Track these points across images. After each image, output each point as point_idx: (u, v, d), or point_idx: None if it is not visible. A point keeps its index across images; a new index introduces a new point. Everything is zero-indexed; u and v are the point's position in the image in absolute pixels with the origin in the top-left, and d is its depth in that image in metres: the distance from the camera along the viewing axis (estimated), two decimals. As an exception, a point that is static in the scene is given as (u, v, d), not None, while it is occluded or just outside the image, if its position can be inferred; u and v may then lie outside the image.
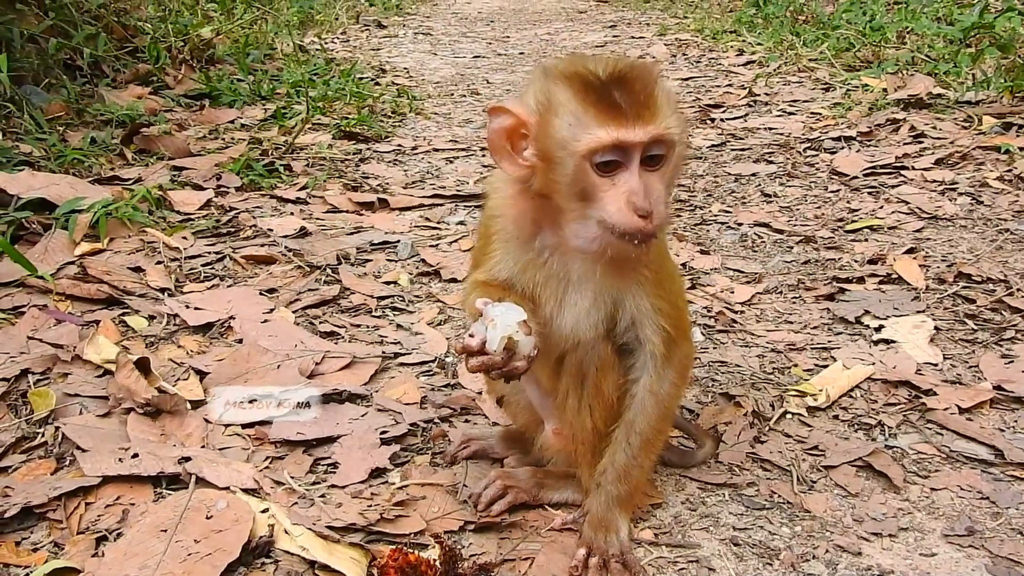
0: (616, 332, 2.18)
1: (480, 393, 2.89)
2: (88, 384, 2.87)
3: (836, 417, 2.78)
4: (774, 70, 7.73)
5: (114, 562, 2.08)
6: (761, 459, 2.56)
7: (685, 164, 1.97)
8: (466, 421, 2.78)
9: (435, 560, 1.99)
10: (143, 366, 2.82)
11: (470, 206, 4.68)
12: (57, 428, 2.62)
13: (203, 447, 2.58)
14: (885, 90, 6.42)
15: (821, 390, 2.87)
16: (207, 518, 2.21)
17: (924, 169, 4.91)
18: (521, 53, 9.76)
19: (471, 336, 1.99)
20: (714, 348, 3.21)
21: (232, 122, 6.05)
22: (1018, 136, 5.20)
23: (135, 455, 2.47)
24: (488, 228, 2.23)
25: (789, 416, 2.78)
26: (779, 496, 2.40)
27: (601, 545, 2.14)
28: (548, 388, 2.31)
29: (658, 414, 2.19)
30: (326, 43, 9.42)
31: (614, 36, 10.81)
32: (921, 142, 5.36)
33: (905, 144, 5.36)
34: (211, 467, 2.42)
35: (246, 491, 2.34)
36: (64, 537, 2.21)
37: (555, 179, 1.95)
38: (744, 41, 9.26)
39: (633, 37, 10.58)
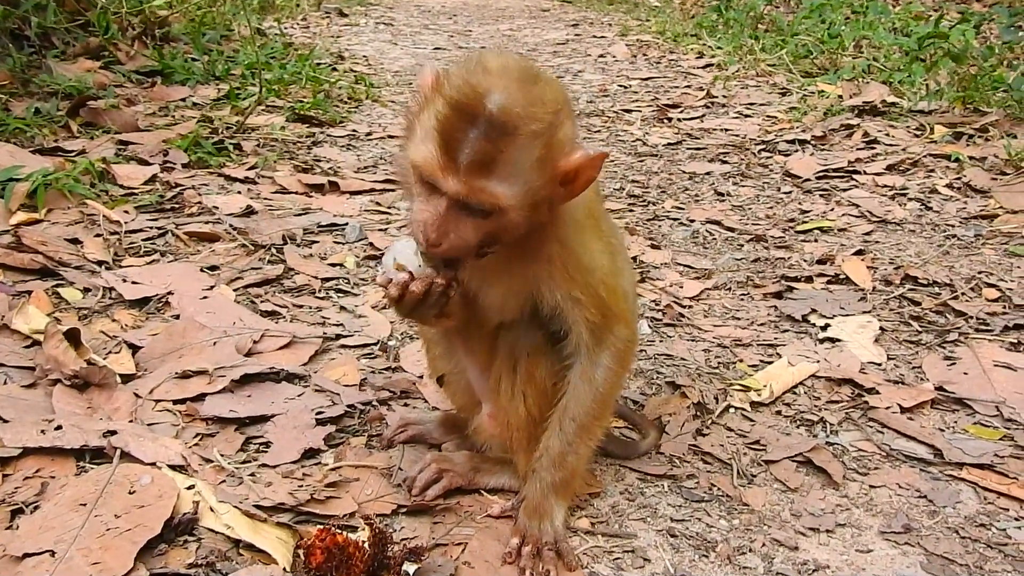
0: (544, 317, 2.13)
1: (421, 377, 2.83)
2: (14, 354, 2.77)
3: (779, 413, 2.76)
4: (733, 73, 7.75)
5: (27, 535, 2.00)
6: (702, 452, 2.53)
7: (523, 215, 1.89)
8: (405, 405, 2.72)
9: (364, 542, 1.93)
10: (73, 337, 2.73)
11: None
12: (-21, 398, 2.53)
13: (131, 422, 2.49)
14: (840, 96, 6.47)
15: (765, 385, 2.86)
16: (130, 493, 2.13)
17: (876, 174, 4.94)
18: (482, 47, 9.70)
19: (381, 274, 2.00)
20: (660, 341, 3.19)
21: (183, 100, 5.92)
22: (968, 146, 5.26)
23: (59, 427, 2.38)
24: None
25: (732, 410, 2.76)
26: (718, 489, 2.37)
27: (535, 533, 2.09)
28: (485, 365, 2.27)
29: (593, 400, 2.14)
30: (285, 28, 9.28)
31: (576, 35, 10.79)
32: (874, 148, 5.40)
33: (858, 149, 5.39)
34: (137, 442, 2.33)
35: (173, 467, 2.27)
36: (-22, 510, 2.13)
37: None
38: (704, 44, 9.28)
39: (595, 36, 10.57)
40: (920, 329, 3.26)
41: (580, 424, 2.14)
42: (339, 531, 1.94)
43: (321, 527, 1.97)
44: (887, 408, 2.75)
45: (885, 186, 4.76)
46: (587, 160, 1.90)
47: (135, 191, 4.22)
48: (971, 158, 5.01)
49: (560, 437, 2.14)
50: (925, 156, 5.13)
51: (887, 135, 5.58)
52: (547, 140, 1.85)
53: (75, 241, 3.60)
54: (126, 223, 3.83)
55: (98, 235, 3.68)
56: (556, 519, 2.14)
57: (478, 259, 1.98)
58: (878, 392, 2.84)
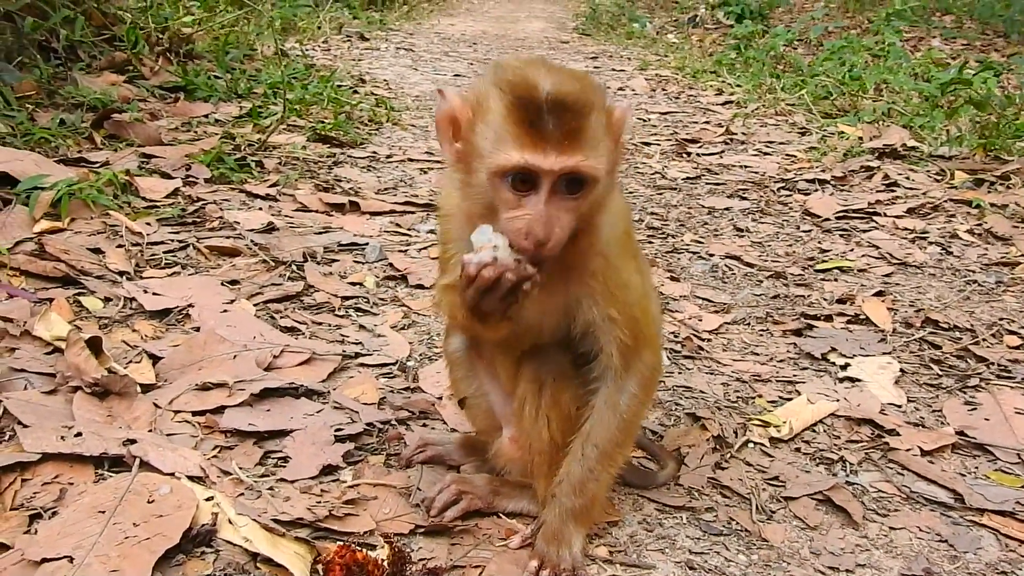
0: (574, 339, 2.14)
1: (440, 398, 2.83)
2: (36, 360, 2.77)
3: (798, 450, 2.75)
4: (752, 111, 7.78)
5: (46, 540, 1.99)
6: (721, 485, 2.52)
7: (611, 190, 1.98)
8: (424, 425, 2.71)
9: (383, 560, 1.93)
10: (95, 345, 2.73)
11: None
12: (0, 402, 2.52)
13: (150, 431, 2.49)
14: (860, 138, 6.48)
15: (785, 422, 2.84)
16: (148, 502, 2.13)
17: (896, 216, 4.94)
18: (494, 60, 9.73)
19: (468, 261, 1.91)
20: (679, 373, 3.17)
21: (206, 116, 5.95)
22: (989, 192, 5.26)
23: (78, 434, 2.37)
24: (443, 232, 2.23)
25: (751, 445, 2.74)
26: (737, 523, 2.36)
27: (553, 559, 2.08)
28: (509, 389, 2.26)
29: (617, 427, 2.14)
30: (307, 50, 9.34)
31: (595, 67, 10.84)
32: (893, 191, 5.40)
33: (878, 191, 5.40)
34: (157, 451, 2.33)
35: (191, 478, 2.26)
36: (-4, 512, 2.12)
37: (470, 178, 1.95)
38: (723, 81, 9.32)
39: (614, 70, 10.62)
40: (940, 373, 3.25)
41: (602, 451, 2.13)
42: (359, 548, 1.93)
43: (340, 544, 1.96)
44: (907, 450, 2.74)
45: (905, 229, 4.76)
46: (624, 113, 1.99)
47: (157, 204, 4.23)
48: (992, 205, 5.01)
49: (582, 463, 2.13)
50: (945, 201, 5.13)
51: (907, 178, 5.58)
52: (606, 108, 1.94)
53: (97, 251, 3.61)
54: (148, 235, 3.84)
55: (120, 246, 3.69)
56: (575, 546, 2.12)
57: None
58: (898, 434, 2.82)
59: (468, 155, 1.93)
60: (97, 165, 4.52)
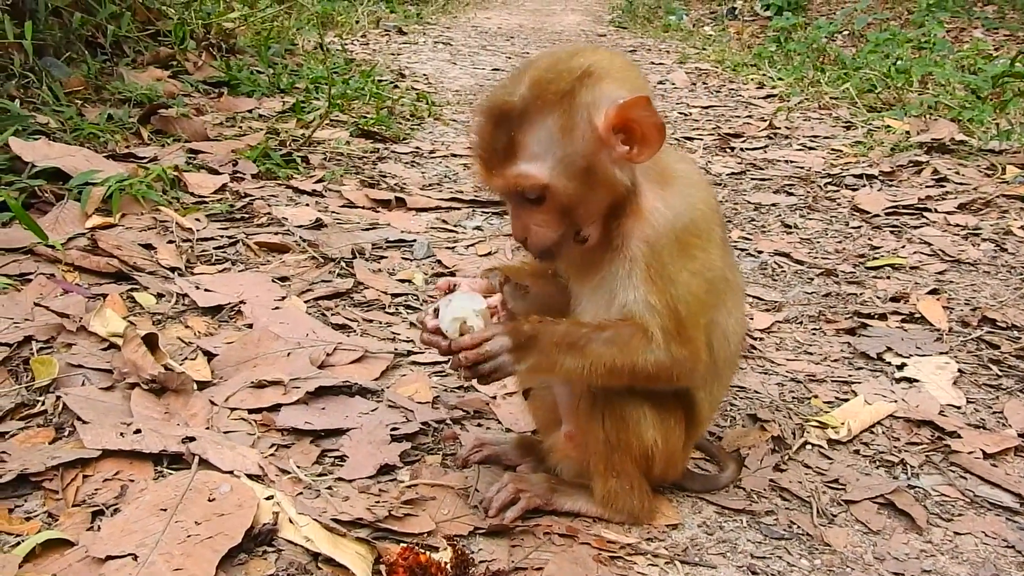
0: None
1: (494, 397, 2.81)
2: (92, 356, 2.79)
3: (857, 452, 2.70)
4: (795, 105, 7.69)
5: (110, 537, 2.00)
6: (780, 488, 2.48)
7: (579, 185, 1.94)
8: (478, 425, 2.70)
9: (446, 563, 1.92)
10: (151, 342, 2.74)
11: (488, 212, 4.62)
12: (58, 398, 2.54)
13: (207, 429, 2.49)
14: (908, 133, 6.39)
15: (842, 423, 2.80)
16: (209, 500, 2.13)
17: (947, 212, 4.86)
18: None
19: (431, 311, 2.03)
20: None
21: (250, 111, 5.98)
22: (1043, 187, 5.17)
23: (138, 431, 2.39)
24: None
25: (809, 447, 2.71)
26: (798, 527, 2.32)
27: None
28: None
29: (618, 350, 2.02)
30: (346, 45, 9.37)
31: (634, 61, 10.80)
32: (943, 186, 5.32)
33: (927, 187, 5.31)
34: (216, 449, 2.34)
35: (250, 477, 2.26)
36: (59, 508, 2.13)
37: None
38: (764, 75, 9.24)
39: (653, 63, 10.56)
40: (1000, 373, 3.19)
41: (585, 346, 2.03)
42: (422, 551, 1.92)
43: (404, 545, 1.95)
44: (969, 453, 2.69)
45: (957, 225, 4.68)
46: (622, 108, 1.90)
47: (205, 199, 4.25)
48: (1046, 200, 4.92)
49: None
50: (997, 196, 5.04)
51: (957, 173, 5.49)
52: (566, 109, 1.90)
53: (148, 247, 3.63)
54: (197, 231, 3.86)
55: (171, 241, 3.71)
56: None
57: (580, 244, 2.04)
58: (959, 436, 2.77)
59: None
60: (145, 161, 4.55)
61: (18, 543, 1.98)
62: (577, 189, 1.95)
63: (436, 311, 2.01)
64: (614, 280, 2.04)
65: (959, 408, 2.96)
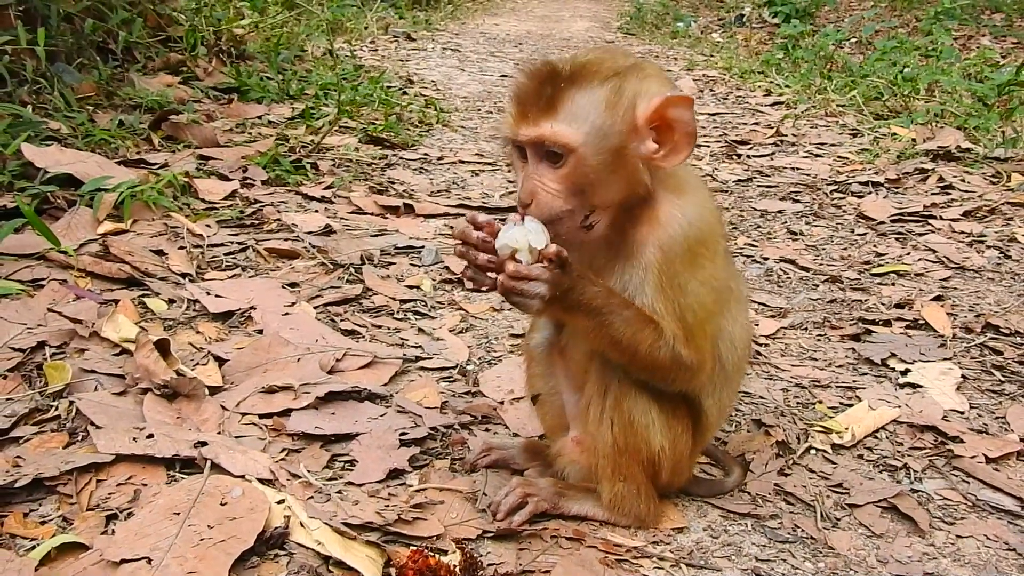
0: None
1: (502, 403, 2.85)
2: (105, 361, 2.83)
3: (861, 456, 2.73)
4: (802, 112, 7.72)
5: (124, 541, 2.03)
6: (785, 492, 2.51)
7: (603, 162, 1.99)
8: (486, 430, 2.73)
9: (455, 566, 1.95)
10: (162, 347, 2.78)
11: (496, 218, 4.64)
12: (71, 403, 2.58)
13: (219, 433, 2.53)
14: (914, 140, 6.41)
15: (847, 428, 2.83)
16: (221, 504, 2.16)
17: (952, 220, 4.89)
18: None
19: (492, 219, 2.01)
20: (738, 378, 3.17)
21: (260, 118, 6.02)
22: (1048, 195, 5.19)
23: (150, 435, 2.42)
24: None
25: (814, 451, 2.73)
26: (803, 531, 2.35)
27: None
28: (578, 387, 2.29)
29: (632, 331, 2.04)
30: (355, 51, 9.42)
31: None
32: (949, 193, 5.34)
33: (933, 194, 5.34)
34: (227, 454, 2.37)
35: (262, 481, 2.29)
36: (73, 512, 2.17)
37: None
38: (772, 82, 9.26)
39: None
40: (1003, 379, 3.21)
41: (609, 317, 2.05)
42: (431, 553, 1.95)
43: (414, 548, 1.99)
44: (972, 457, 2.71)
45: (962, 232, 4.70)
46: (667, 101, 1.96)
47: (216, 206, 4.29)
48: (1052, 208, 4.94)
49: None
50: (1003, 204, 5.07)
51: (963, 181, 5.52)
52: (616, 86, 1.98)
53: (160, 252, 3.67)
54: (208, 237, 3.90)
55: (182, 247, 3.75)
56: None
57: (585, 231, 2.05)
58: (962, 440, 2.80)
59: None
60: (156, 166, 4.59)
61: (33, 547, 2.02)
62: (600, 165, 1.99)
63: (491, 221, 2.01)
64: (626, 288, 2.07)
65: (962, 413, 2.99)
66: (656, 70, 2.10)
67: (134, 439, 2.41)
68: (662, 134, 1.99)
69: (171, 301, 3.33)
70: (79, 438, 2.46)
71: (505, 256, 1.95)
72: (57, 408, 2.57)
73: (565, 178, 1.99)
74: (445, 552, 2.05)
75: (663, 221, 2.06)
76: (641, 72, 2.02)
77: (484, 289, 2.04)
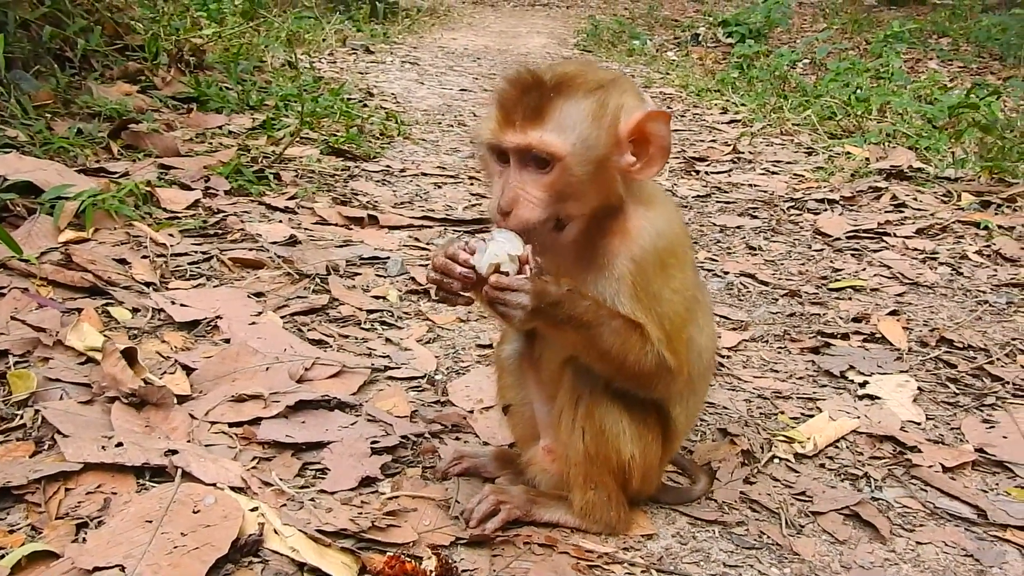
0: None
1: (471, 412, 2.87)
2: (70, 370, 2.80)
3: (823, 466, 2.79)
4: (758, 131, 7.85)
5: (96, 549, 2.02)
6: (750, 499, 2.56)
7: (586, 173, 2.03)
8: (457, 439, 2.75)
9: (431, 571, 1.96)
10: (130, 356, 2.76)
11: (459, 231, 4.68)
12: (37, 411, 2.55)
13: (189, 442, 2.52)
14: (867, 159, 6.55)
15: (808, 438, 2.89)
16: (194, 512, 2.16)
17: (905, 237, 5.00)
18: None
19: (465, 244, 2.02)
20: (702, 389, 3.22)
21: (220, 128, 5.99)
22: (996, 214, 5.33)
23: (119, 444, 2.41)
24: None
25: (777, 460, 2.79)
26: (768, 537, 2.40)
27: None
28: (549, 398, 2.33)
29: (616, 333, 2.08)
30: (313, 63, 9.40)
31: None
32: (902, 211, 5.47)
33: (887, 212, 5.46)
34: (198, 462, 2.36)
35: (234, 489, 2.29)
36: (42, 521, 2.15)
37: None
38: (728, 100, 9.40)
39: (617, 86, 10.68)
40: (957, 391, 3.30)
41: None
42: (407, 559, 1.97)
43: (390, 554, 2.00)
44: (929, 467, 2.78)
45: (915, 249, 4.82)
46: (647, 116, 2.02)
47: (179, 215, 4.27)
48: (1000, 227, 5.07)
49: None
50: (954, 222, 5.20)
51: (915, 199, 5.65)
52: (601, 99, 2.03)
53: (122, 261, 3.64)
54: (171, 246, 3.88)
55: (145, 256, 3.72)
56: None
57: (558, 232, 2.08)
58: (920, 451, 2.87)
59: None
60: (117, 175, 4.55)
61: (3, 555, 1.99)
62: (583, 175, 2.03)
63: (466, 246, 2.02)
64: (602, 298, 2.10)
65: (919, 424, 3.06)
66: (632, 85, 2.15)
67: (102, 447, 2.39)
68: (639, 147, 2.04)
69: (135, 310, 3.30)
70: (46, 447, 2.44)
71: (489, 272, 1.98)
72: (22, 417, 2.54)
73: (549, 186, 2.02)
74: (421, 558, 2.07)
75: (633, 233, 2.10)
76: (621, 86, 2.07)
77: (459, 304, 2.09)
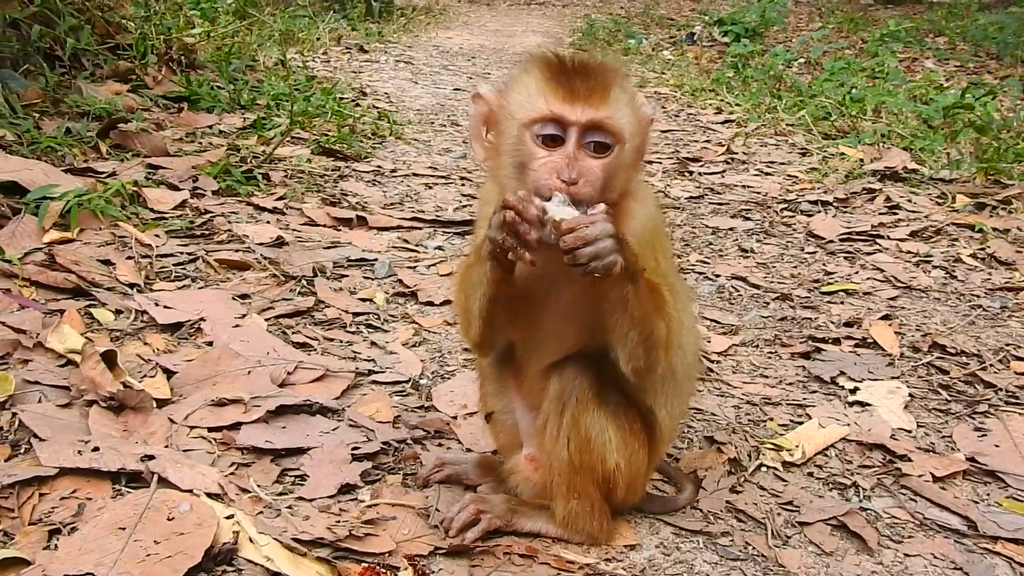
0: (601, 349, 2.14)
1: (455, 417, 2.83)
2: (49, 373, 2.77)
3: (811, 474, 2.76)
4: (752, 131, 7.81)
5: (67, 556, 1.99)
6: (736, 509, 2.53)
7: (639, 162, 2.14)
8: (439, 445, 2.71)
9: (407, 582, 1.93)
10: (109, 359, 2.73)
11: (449, 232, 4.64)
12: (14, 414, 2.52)
13: (167, 447, 2.48)
14: (862, 160, 6.51)
15: (797, 446, 2.85)
16: (168, 519, 2.12)
17: (899, 240, 4.97)
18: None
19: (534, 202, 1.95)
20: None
21: (210, 127, 5.95)
22: (991, 216, 5.29)
23: (96, 448, 2.37)
24: (479, 217, 2.31)
25: (764, 469, 2.75)
26: (754, 548, 2.36)
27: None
28: (533, 406, 2.30)
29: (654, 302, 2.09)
30: (306, 62, 9.35)
31: (594, 84, 10.87)
32: (896, 213, 5.43)
33: (881, 214, 5.42)
34: (175, 468, 2.33)
35: (210, 495, 2.26)
36: (15, 527, 2.12)
37: (500, 152, 2.07)
38: (722, 100, 9.36)
39: (613, 86, 10.64)
40: (949, 398, 3.26)
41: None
42: (383, 569, 1.93)
43: (366, 565, 1.97)
44: (919, 476, 2.75)
45: (909, 252, 4.78)
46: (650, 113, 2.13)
47: (165, 215, 4.23)
48: (994, 229, 5.03)
49: None
50: (948, 225, 5.16)
51: (909, 201, 5.61)
52: (636, 92, 2.11)
53: (107, 262, 3.60)
54: (157, 247, 3.84)
55: (129, 257, 3.68)
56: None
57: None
58: (910, 459, 2.83)
59: (498, 129, 2.08)
60: (104, 175, 4.51)
61: (-27, 562, 1.96)
62: (629, 161, 2.08)
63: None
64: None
65: (910, 432, 3.03)
66: None
67: (79, 452, 2.36)
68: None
69: (118, 312, 3.27)
70: (22, 451, 2.41)
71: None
72: (-1, 420, 2.51)
73: (605, 167, 2.02)
74: (397, 569, 2.03)
75: (630, 214, 2.12)
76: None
77: (519, 258, 1.97)
